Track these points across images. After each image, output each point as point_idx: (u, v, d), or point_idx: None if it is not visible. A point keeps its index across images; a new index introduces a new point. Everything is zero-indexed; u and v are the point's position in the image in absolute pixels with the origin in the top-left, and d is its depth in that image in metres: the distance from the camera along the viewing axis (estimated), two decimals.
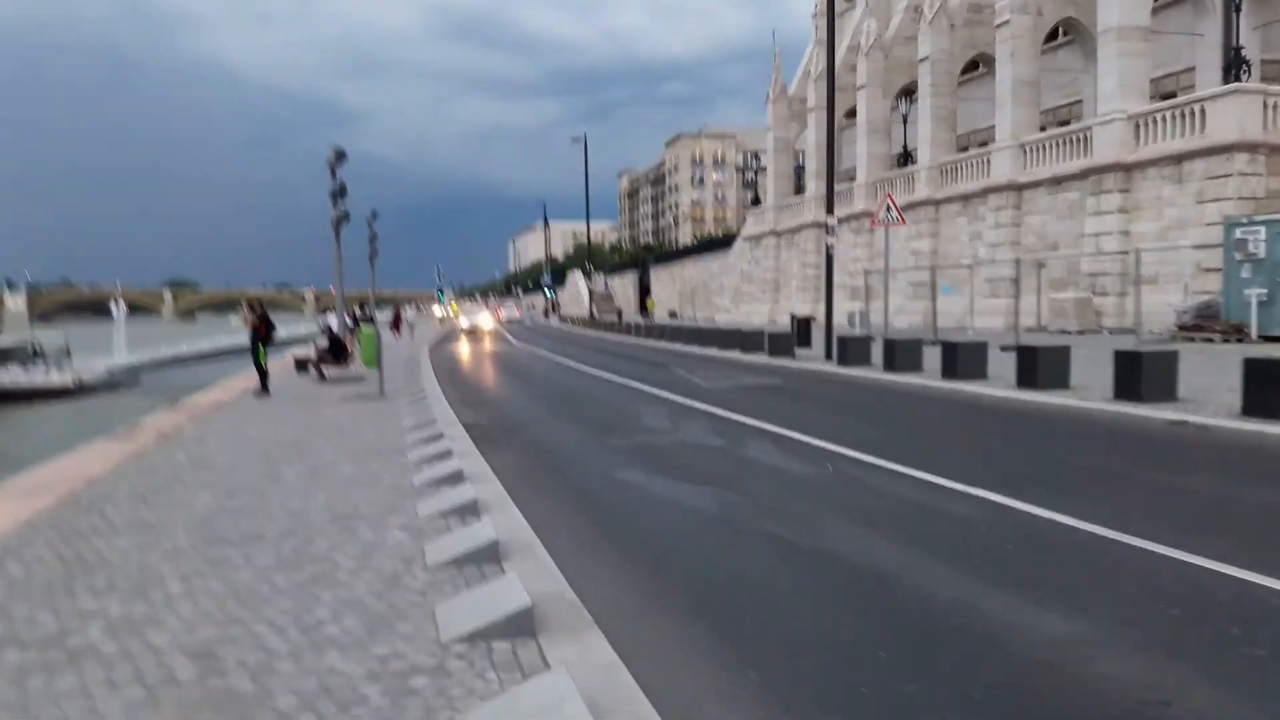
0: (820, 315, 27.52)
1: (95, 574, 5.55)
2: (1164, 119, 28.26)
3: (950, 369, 16.61)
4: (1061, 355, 14.73)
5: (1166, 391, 12.43)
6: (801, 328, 29.91)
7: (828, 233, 24.17)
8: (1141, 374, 12.47)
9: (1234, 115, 25.74)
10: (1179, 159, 27.34)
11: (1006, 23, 35.58)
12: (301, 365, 23.44)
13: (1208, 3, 34.10)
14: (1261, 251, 22.39)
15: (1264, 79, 30.77)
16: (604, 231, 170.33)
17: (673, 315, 71.43)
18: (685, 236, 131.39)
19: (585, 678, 3.67)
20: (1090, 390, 13.64)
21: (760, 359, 24.72)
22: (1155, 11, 32.31)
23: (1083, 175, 31.05)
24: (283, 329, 58.01)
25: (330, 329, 23.13)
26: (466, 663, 4.04)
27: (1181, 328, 23.78)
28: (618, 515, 7.64)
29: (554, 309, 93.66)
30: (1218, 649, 4.29)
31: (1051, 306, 29.74)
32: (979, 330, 28.76)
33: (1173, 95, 32.59)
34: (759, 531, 6.76)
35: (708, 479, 8.81)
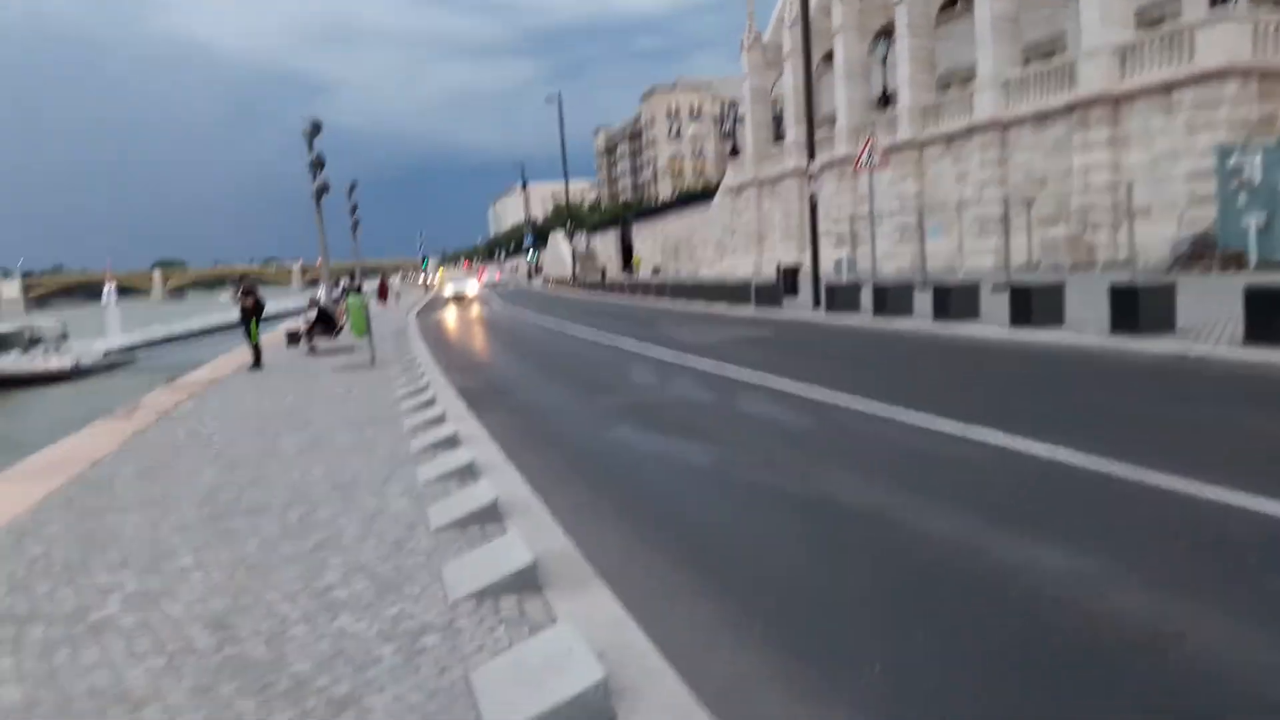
0: (806, 264, 27.51)
1: (109, 550, 5.63)
2: (1151, 48, 28.03)
3: (942, 311, 16.65)
4: (1055, 292, 14.72)
5: (1165, 324, 12.42)
6: (788, 277, 29.89)
7: (810, 180, 24.09)
8: (1138, 307, 12.45)
9: (1223, 42, 25.55)
10: (1168, 88, 27.17)
11: None
12: (293, 338, 23.41)
13: None
14: (1257, 178, 22.27)
15: (1253, 3, 30.52)
16: (583, 190, 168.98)
17: (656, 272, 71.16)
18: (665, 191, 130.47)
19: (592, 629, 3.75)
20: (1087, 326, 13.65)
21: (747, 311, 24.75)
22: None
23: (1069, 110, 30.87)
24: (272, 303, 57.84)
25: (318, 301, 23.06)
26: (475, 619, 4.12)
27: (1178, 259, 23.77)
28: (613, 472, 7.72)
29: (537, 271, 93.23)
30: (1230, 579, 4.30)
31: (1042, 244, 29.74)
32: (969, 271, 28.80)
33: (1159, 23, 32.30)
34: (755, 482, 6.84)
35: (700, 433, 8.89)
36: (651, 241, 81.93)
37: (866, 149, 23.75)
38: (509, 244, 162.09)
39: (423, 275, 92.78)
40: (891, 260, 37.34)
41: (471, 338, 25.65)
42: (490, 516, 5.73)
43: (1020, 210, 28.79)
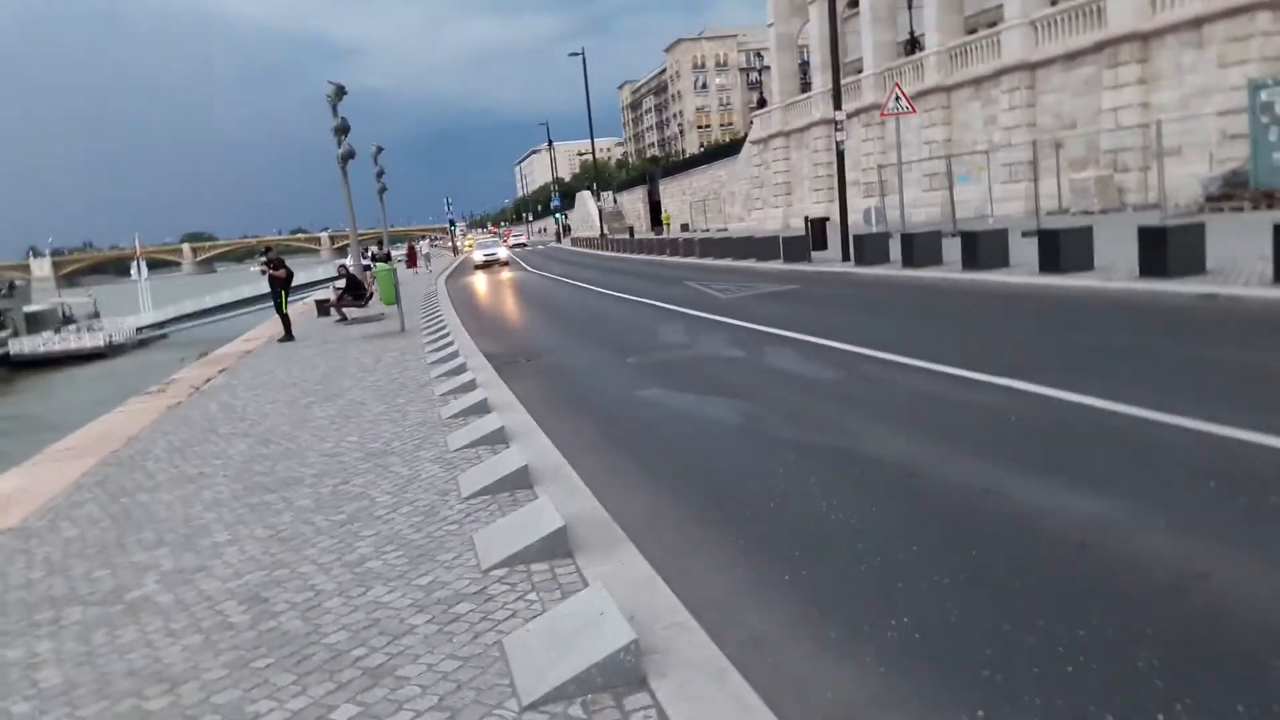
0: (835, 215, 27.15)
1: (144, 529, 5.74)
2: None
3: (971, 260, 16.39)
4: (1084, 236, 14.46)
5: (1195, 265, 12.17)
6: (816, 229, 29.51)
7: (837, 129, 23.67)
8: (1167, 249, 12.19)
9: None
10: (1198, 23, 26.29)
11: None
12: (322, 308, 23.63)
13: None
14: None
15: None
16: (609, 148, 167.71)
17: (685, 228, 70.72)
18: (692, 145, 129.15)
19: (623, 592, 3.77)
20: (1116, 270, 13.41)
21: (776, 265, 24.53)
22: None
23: (1097, 48, 29.99)
24: (302, 273, 58.31)
25: (347, 269, 23.20)
26: (507, 586, 4.16)
27: (1209, 199, 23.15)
28: (642, 432, 7.73)
29: (565, 232, 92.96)
30: (1256, 519, 4.27)
31: (1072, 187, 29.11)
32: (999, 218, 28.29)
33: None
34: (783, 438, 6.82)
35: (729, 390, 8.86)
36: (679, 197, 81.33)
37: (893, 95, 23.29)
38: (536, 205, 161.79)
39: (451, 240, 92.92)
40: (921, 209, 36.75)
41: (500, 301, 25.70)
42: (521, 482, 5.77)
43: (1049, 153, 28.15)
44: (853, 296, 16.51)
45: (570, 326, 17.21)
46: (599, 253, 54.54)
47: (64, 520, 6.15)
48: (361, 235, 24.57)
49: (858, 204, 34.10)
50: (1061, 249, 14.18)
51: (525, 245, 79.68)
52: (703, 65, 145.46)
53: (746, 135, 69.24)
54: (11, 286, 47.46)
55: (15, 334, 40.86)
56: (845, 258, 22.05)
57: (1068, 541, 4.27)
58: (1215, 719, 2.81)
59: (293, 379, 12.24)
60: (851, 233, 22.66)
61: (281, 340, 17.75)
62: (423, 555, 4.69)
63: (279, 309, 18.41)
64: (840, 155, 23.69)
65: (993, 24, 38.28)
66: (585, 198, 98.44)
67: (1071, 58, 31.65)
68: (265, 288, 19.11)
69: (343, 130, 16.75)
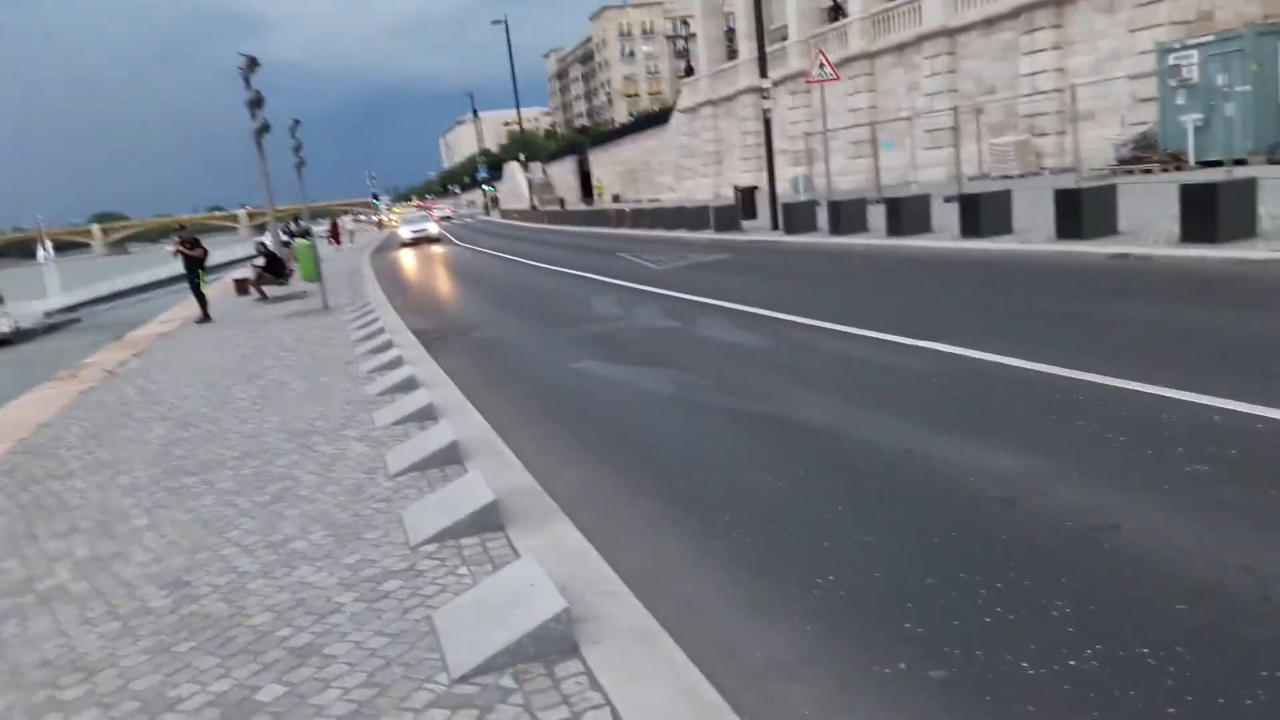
0: (764, 184, 27.29)
1: (56, 517, 5.53)
2: None
3: (895, 226, 16.67)
4: (1003, 201, 14.84)
5: (1107, 226, 12.61)
6: (746, 199, 29.64)
7: (764, 97, 23.75)
8: (1081, 211, 12.59)
9: None
10: None
11: None
12: (242, 287, 22.96)
13: None
14: (1195, 76, 22.30)
15: None
16: (537, 117, 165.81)
17: (616, 199, 70.45)
18: (621, 114, 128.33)
19: (555, 563, 3.76)
20: (1033, 233, 13.79)
21: (707, 235, 24.62)
22: None
23: (1014, 14, 30.63)
24: (219, 252, 56.56)
25: (266, 247, 22.53)
26: (437, 561, 4.12)
27: (1121, 161, 23.89)
28: (576, 404, 7.70)
29: (494, 204, 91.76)
30: (1164, 470, 4.45)
31: (992, 152, 29.77)
32: (922, 184, 28.78)
33: None
34: (714, 405, 6.87)
35: (662, 360, 8.88)
36: (610, 168, 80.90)
37: (818, 62, 23.40)
38: (463, 177, 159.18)
39: (376, 214, 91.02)
40: (847, 176, 37.21)
41: (428, 276, 25.29)
42: (450, 458, 5.70)
43: (970, 119, 28.69)
44: (781, 265, 16.66)
45: (502, 301, 17.04)
46: (530, 225, 54.04)
47: None
48: (280, 211, 23.87)
49: (786, 172, 34.36)
50: (981, 213, 14.52)
51: (450, 218, 77.84)
52: (629, 33, 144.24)
53: (675, 104, 69.06)
54: None
55: None
56: (774, 226, 22.22)
57: (987, 497, 4.40)
58: (1124, 662, 2.93)
59: (212, 360, 11.89)
60: (780, 201, 22.84)
61: (199, 321, 17.22)
62: (350, 534, 4.61)
63: (196, 289, 17.81)
64: (767, 124, 23.78)
65: None
66: (514, 169, 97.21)
67: (990, 23, 32.26)
68: (181, 268, 18.37)
69: (256, 103, 16.13)
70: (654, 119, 75.66)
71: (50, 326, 41.54)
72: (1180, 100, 22.81)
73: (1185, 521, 3.91)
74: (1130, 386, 5.79)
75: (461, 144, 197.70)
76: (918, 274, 12.97)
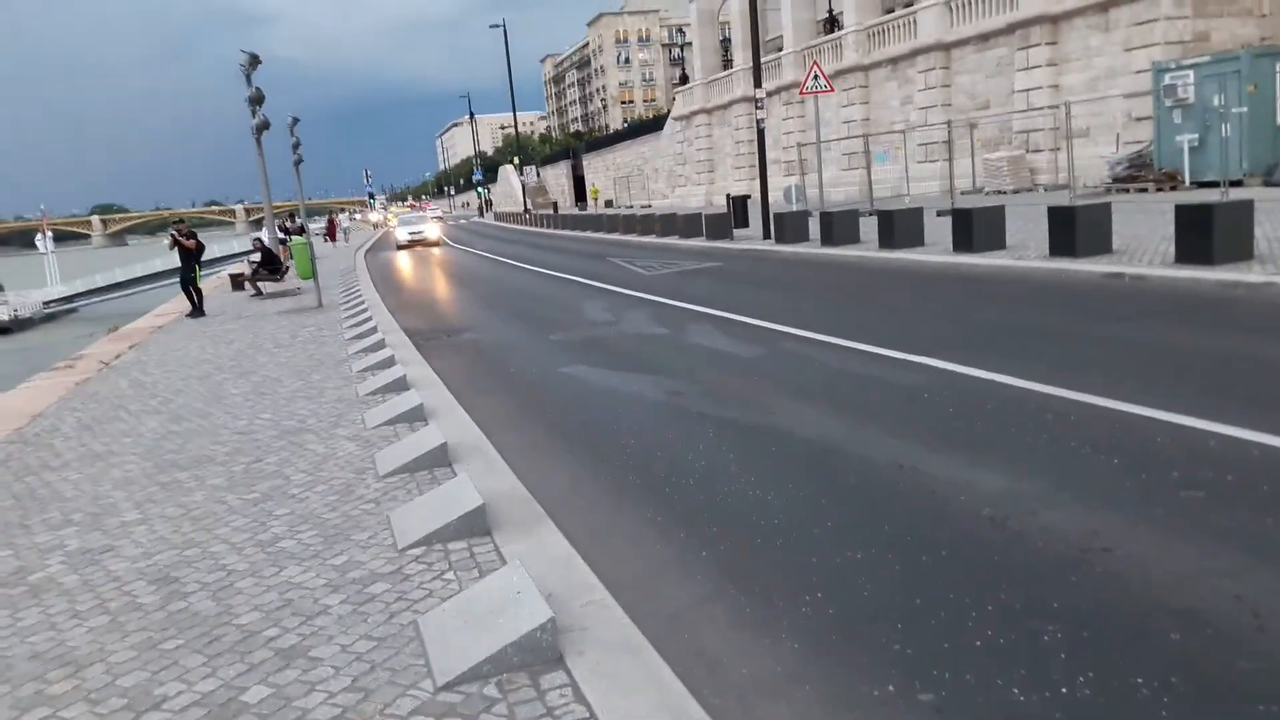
0: (757, 193, 27.41)
1: (50, 508, 5.54)
2: None
3: (887, 239, 16.75)
4: (996, 216, 14.89)
5: (1101, 245, 12.62)
6: (738, 207, 29.76)
7: (757, 107, 23.86)
8: (1075, 229, 12.59)
9: None
10: (1105, 6, 27.20)
11: None
12: (237, 282, 22.96)
13: None
14: (1191, 96, 22.40)
15: None
16: (532, 121, 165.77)
17: (609, 204, 70.51)
18: (616, 120, 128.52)
19: (540, 569, 3.80)
20: (1026, 249, 13.85)
21: (699, 243, 24.69)
22: None
23: (1009, 30, 30.82)
24: (215, 246, 56.35)
25: (262, 243, 22.51)
26: (424, 565, 4.14)
27: (1115, 179, 24.01)
28: (564, 409, 7.73)
29: (488, 206, 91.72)
30: (1157, 493, 4.44)
31: (986, 167, 29.92)
32: (915, 197, 28.94)
33: None
34: (703, 414, 6.90)
35: (651, 367, 8.91)
36: (603, 173, 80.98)
37: (811, 74, 23.53)
38: (458, 179, 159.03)
39: (371, 213, 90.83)
40: (840, 187, 37.35)
41: (421, 277, 25.29)
42: (439, 460, 5.73)
43: (963, 133, 28.86)
44: (773, 274, 16.73)
45: (493, 303, 17.07)
46: (523, 228, 54.04)
47: None
48: (277, 208, 23.87)
49: (779, 182, 34.50)
50: (974, 228, 14.57)
51: (441, 219, 77.73)
52: (625, 40, 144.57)
53: (669, 111, 69.21)
54: None
55: None
56: (766, 235, 22.30)
57: (978, 516, 4.39)
58: (1116, 689, 2.93)
59: (206, 355, 11.88)
60: (772, 210, 22.93)
61: (193, 315, 17.19)
62: (338, 534, 4.63)
63: (191, 282, 17.72)
64: (761, 133, 23.89)
65: (909, 4, 38.96)
66: (508, 172, 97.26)
67: (985, 39, 32.46)
68: (178, 261, 18.26)
69: (257, 100, 16.13)
70: (648, 125, 75.85)
71: (48, 316, 41.45)
72: (1176, 120, 22.94)
73: (1178, 547, 3.89)
74: (1124, 408, 5.79)
75: (457, 146, 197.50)
76: (910, 287, 13.04)
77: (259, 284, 21.02)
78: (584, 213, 58.61)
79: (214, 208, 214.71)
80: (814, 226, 20.34)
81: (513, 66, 70.20)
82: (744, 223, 27.81)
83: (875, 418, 6.35)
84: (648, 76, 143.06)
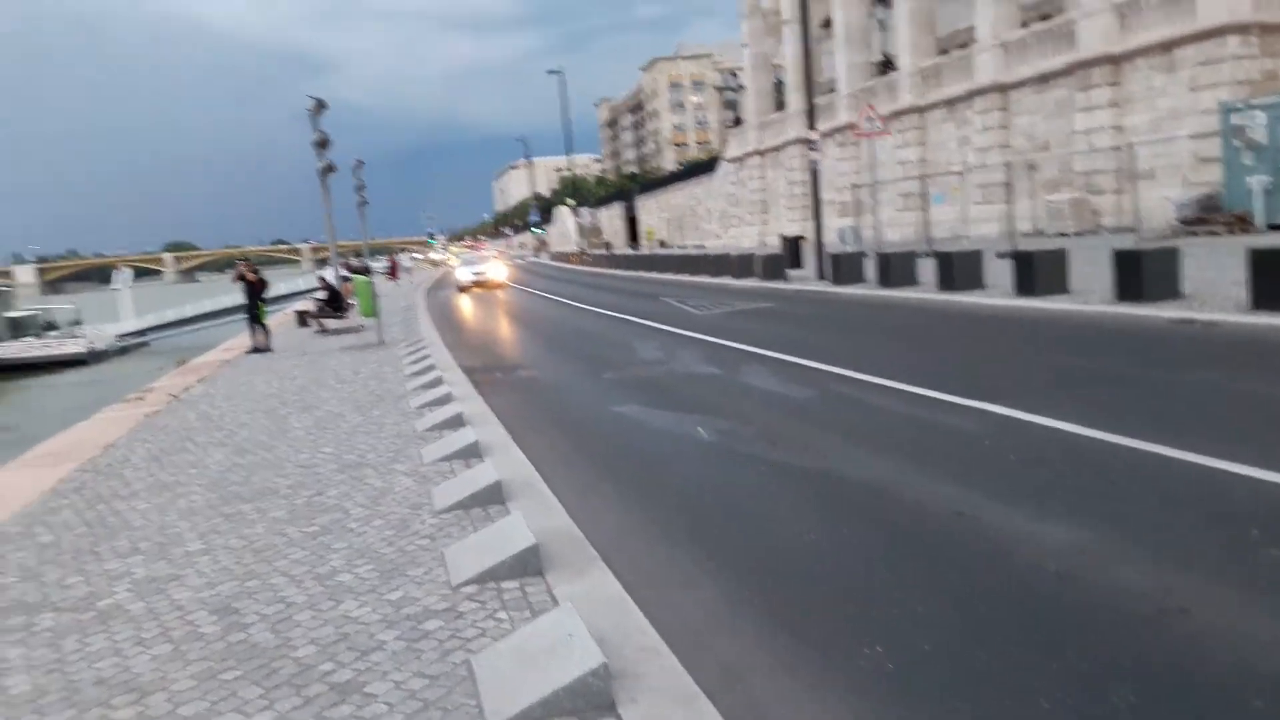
0: (810, 234, 27.38)
1: (119, 536, 5.70)
2: (1151, 6, 27.61)
3: (946, 280, 16.58)
4: (1059, 259, 14.63)
5: (1170, 289, 12.29)
6: (792, 248, 29.75)
7: (811, 148, 23.91)
8: (1143, 273, 12.31)
9: None
10: (1169, 46, 26.82)
11: None
12: (302, 319, 23.57)
13: None
14: (1263, 137, 21.80)
15: None
16: (587, 164, 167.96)
17: (662, 245, 70.99)
18: (669, 163, 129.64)
19: (593, 612, 3.78)
20: (1091, 293, 13.55)
21: (752, 283, 24.68)
22: None
23: (1069, 71, 30.52)
24: (281, 284, 58.08)
25: (327, 281, 23.10)
26: (477, 604, 4.16)
27: (1183, 222, 23.42)
28: (617, 449, 7.74)
29: (543, 246, 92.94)
30: (1235, 551, 4.24)
31: (1047, 209, 29.51)
32: (974, 238, 28.64)
33: None
34: (756, 456, 6.85)
35: (703, 407, 8.90)
36: (657, 214, 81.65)
37: (866, 115, 23.54)
38: (514, 220, 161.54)
39: (433, 252, 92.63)
40: (896, 228, 37.12)
41: (478, 315, 25.65)
42: (493, 498, 5.77)
43: (1023, 175, 28.52)
44: (828, 315, 16.64)
45: (548, 340, 17.23)
46: (577, 268, 54.58)
47: (39, 526, 6.09)
48: (341, 247, 24.49)
49: (833, 223, 34.43)
50: (1036, 271, 14.34)
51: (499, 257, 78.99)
52: (679, 84, 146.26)
53: (722, 153, 69.69)
54: None
55: None
56: (821, 276, 22.22)
57: (1044, 569, 4.23)
58: None
59: (271, 389, 12.17)
60: (827, 251, 22.85)
61: (258, 351, 17.60)
62: (394, 570, 4.68)
63: (257, 318, 18.07)
64: (815, 174, 23.91)
65: (964, 45, 38.87)
66: (564, 213, 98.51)
67: (1044, 79, 32.18)
68: (244, 297, 18.71)
69: (323, 144, 16.69)
70: (702, 167, 76.40)
71: (122, 349, 42.89)
72: (1247, 161, 22.36)
73: (1261, 610, 3.70)
74: (1198, 460, 5.55)
75: (514, 188, 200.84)
76: (970, 330, 12.85)
77: (323, 321, 21.53)
78: (637, 253, 59.04)
79: (280, 246, 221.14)
80: (870, 267, 20.21)
81: (568, 110, 71.50)
82: (798, 263, 27.77)
83: (933, 464, 6.23)
84: (701, 119, 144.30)
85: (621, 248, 78.03)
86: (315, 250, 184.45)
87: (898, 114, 39.39)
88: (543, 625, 3.64)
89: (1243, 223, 21.97)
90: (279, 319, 26.30)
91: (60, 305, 50.60)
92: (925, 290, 17.06)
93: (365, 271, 29.40)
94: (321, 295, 22.70)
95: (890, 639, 3.73)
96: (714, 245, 58.49)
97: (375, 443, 7.94)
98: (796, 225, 46.69)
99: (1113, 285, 12.82)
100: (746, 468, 6.60)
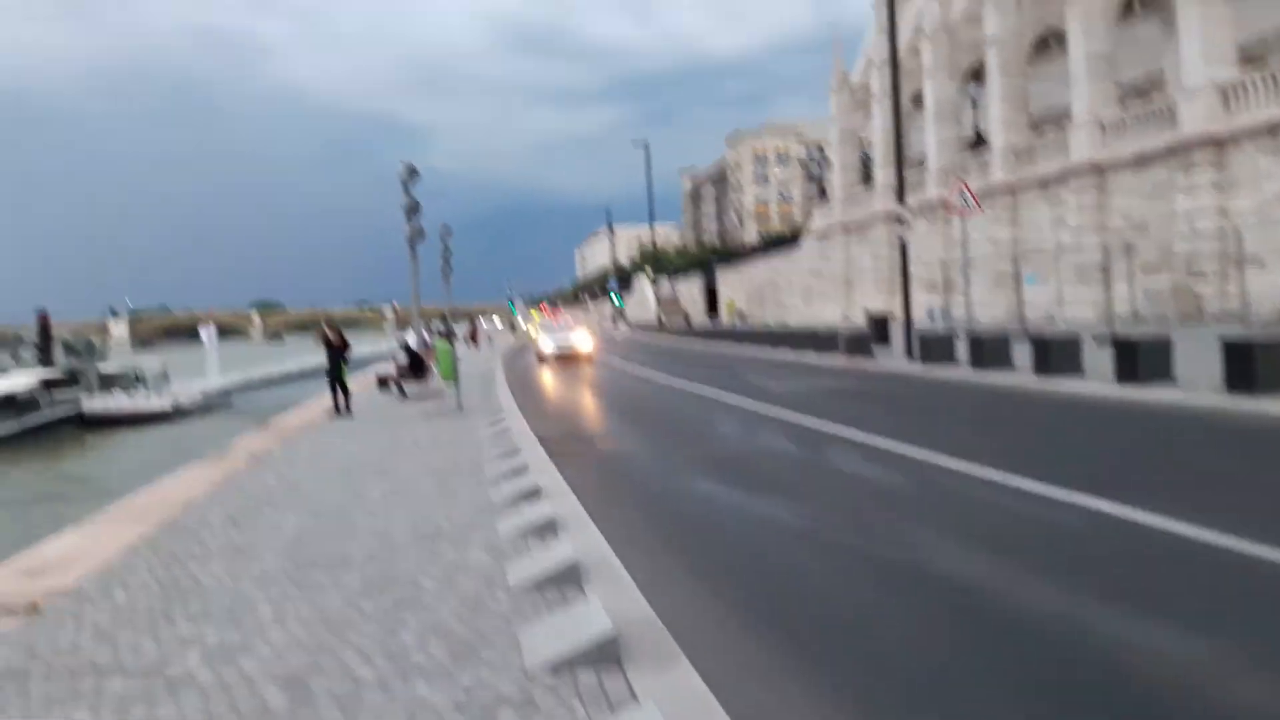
0: (896, 310, 26.93)
1: (191, 600, 5.68)
2: (1255, 86, 26.83)
3: (1043, 365, 15.98)
4: (1162, 346, 14.01)
5: None
6: (877, 325, 29.28)
7: (900, 223, 23.62)
8: (1255, 364, 11.70)
9: None
10: (1275, 129, 25.95)
11: None
12: (383, 383, 23.96)
13: None
14: None
15: None
16: (668, 234, 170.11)
17: (742, 317, 70.85)
18: (751, 235, 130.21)
19: (675, 711, 3.54)
20: (1197, 383, 12.91)
21: (836, 360, 24.27)
22: None
23: (1170, 151, 29.73)
24: (364, 346, 59.69)
25: (408, 346, 23.53)
26: (552, 694, 3.95)
27: None
28: (696, 531, 7.49)
29: (621, 316, 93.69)
30: None
31: (1145, 293, 28.49)
32: (1068, 321, 27.77)
33: (1263, 60, 30.94)
34: (844, 546, 6.54)
35: (785, 490, 8.61)
36: (737, 286, 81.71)
37: (959, 191, 23.18)
38: (594, 287, 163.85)
39: (511, 319, 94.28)
40: (986, 308, 36.27)
41: (556, 385, 25.77)
42: (569, 578, 5.58)
43: (1121, 257, 27.65)
44: (917, 397, 16.17)
45: (625, 413, 17.11)
46: (654, 338, 54.77)
47: (116, 585, 6.13)
48: (425, 311, 25.03)
49: (920, 300, 33.77)
50: (1139, 358, 13.73)
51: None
52: (763, 157, 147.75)
53: (805, 226, 69.72)
54: (90, 346, 49.34)
55: (90, 392, 42.27)
56: (909, 355, 21.72)
57: (1160, 681, 3.93)
58: None
59: (349, 453, 12.29)
60: (915, 330, 22.37)
61: (338, 414, 17.61)
62: (467, 650, 4.51)
63: (338, 380, 18.00)
64: (904, 250, 23.58)
65: (1060, 122, 38.31)
66: (643, 283, 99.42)
67: (1143, 160, 31.39)
68: (325, 359, 18.84)
69: (413, 210, 17.16)
70: (784, 240, 76.45)
71: (205, 406, 44.33)
72: None
73: None
74: None
75: (596, 256, 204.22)
76: (1070, 419, 12.29)
77: (403, 385, 21.82)
78: (717, 326, 59.05)
79: (365, 309, 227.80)
80: (961, 348, 19.67)
81: (652, 181, 72.79)
82: (884, 340, 27.27)
83: (1032, 561, 5.85)
84: (784, 193, 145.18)
85: (700, 319, 78.17)
86: (396, 313, 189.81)
87: (989, 191, 38.85)
88: None
89: None
90: (360, 382, 26.85)
91: (149, 361, 52.80)
92: (1020, 375, 16.47)
93: (450, 336, 29.91)
94: (402, 359, 23.08)
95: None
96: (795, 319, 58.11)
97: (450, 512, 7.86)
98: (881, 301, 46.11)
99: (1221, 375, 12.17)
100: (833, 557, 6.29)
